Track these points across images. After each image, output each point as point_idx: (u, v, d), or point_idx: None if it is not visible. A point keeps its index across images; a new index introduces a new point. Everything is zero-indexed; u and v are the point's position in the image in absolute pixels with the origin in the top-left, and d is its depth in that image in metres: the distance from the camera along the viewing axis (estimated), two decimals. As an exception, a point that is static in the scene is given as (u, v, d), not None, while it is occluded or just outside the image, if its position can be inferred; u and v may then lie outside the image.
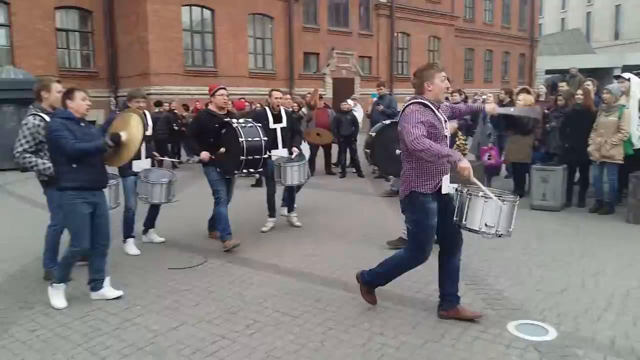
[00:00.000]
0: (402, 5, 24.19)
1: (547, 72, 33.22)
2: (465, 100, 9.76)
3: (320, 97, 10.88)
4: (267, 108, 6.41)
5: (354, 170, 10.65)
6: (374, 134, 5.75)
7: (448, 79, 3.70)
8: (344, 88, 21.98)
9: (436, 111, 3.46)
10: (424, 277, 4.48)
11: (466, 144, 8.16)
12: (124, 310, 3.97)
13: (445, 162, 3.38)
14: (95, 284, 4.18)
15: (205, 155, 5.43)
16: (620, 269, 4.64)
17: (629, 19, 38.51)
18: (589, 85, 7.38)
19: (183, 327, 3.66)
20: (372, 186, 9.50)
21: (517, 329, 3.46)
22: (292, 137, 6.44)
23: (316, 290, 4.27)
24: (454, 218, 3.52)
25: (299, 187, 6.84)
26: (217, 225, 5.55)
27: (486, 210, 3.41)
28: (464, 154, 7.93)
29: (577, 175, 7.44)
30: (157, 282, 4.58)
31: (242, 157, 5.33)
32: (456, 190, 3.55)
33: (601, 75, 28.81)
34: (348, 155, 10.73)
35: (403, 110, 3.51)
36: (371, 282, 3.86)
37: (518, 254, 5.14)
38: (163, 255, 5.43)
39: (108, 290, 4.18)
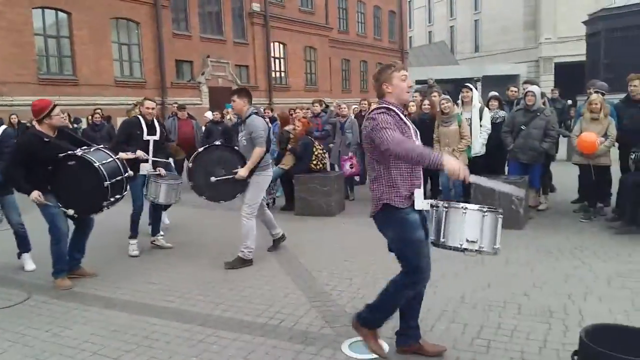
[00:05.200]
0: (276, 14, 24.25)
1: (417, 82, 35.37)
2: (325, 110, 9.81)
3: (183, 107, 10.35)
4: (140, 117, 5.85)
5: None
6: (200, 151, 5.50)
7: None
8: (221, 97, 21.43)
9: (402, 116, 3.07)
10: (264, 301, 4.29)
11: (325, 155, 8.23)
12: None
13: (418, 171, 3.06)
14: None
15: (36, 195, 4.53)
16: (458, 273, 4.81)
17: (486, 32, 42.33)
18: (435, 95, 7.77)
19: (-26, 385, 3.09)
20: (241, 200, 9.18)
21: (350, 348, 3.36)
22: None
23: (147, 324, 3.87)
24: (430, 238, 3.12)
25: (166, 207, 6.53)
26: (55, 261, 4.76)
27: (467, 223, 2.99)
28: (323, 165, 8.00)
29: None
30: (-43, 330, 3.89)
31: (107, 183, 4.59)
32: (432, 206, 3.09)
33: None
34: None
35: (368, 117, 3.09)
36: (371, 322, 3.26)
37: (367, 265, 5.14)
38: (-25, 294, 4.68)
39: None
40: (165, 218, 7.08)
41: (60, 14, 17.09)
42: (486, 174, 6.84)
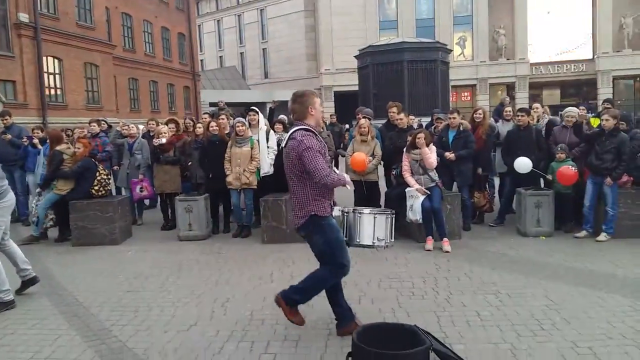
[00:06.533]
0: (49, 27, 21.80)
1: (211, 104, 35.44)
2: (106, 131, 9.16)
3: None
4: None
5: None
6: None
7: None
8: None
9: (318, 136, 3.56)
10: (29, 348, 3.73)
11: (109, 178, 7.62)
12: None
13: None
14: None
15: None
16: (249, 291, 4.85)
17: (273, 60, 44.69)
18: (223, 118, 7.86)
19: None
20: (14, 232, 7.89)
21: (131, 386, 3.11)
22: None
23: None
24: (344, 239, 3.68)
25: None
26: None
27: (377, 225, 3.70)
28: (106, 191, 7.38)
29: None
30: None
31: None
32: (342, 212, 3.70)
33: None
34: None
35: (291, 136, 3.50)
36: (295, 301, 3.67)
37: (155, 293, 4.87)
38: None
39: None
40: None
41: None
42: (274, 193, 7.16)
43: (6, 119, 8.71)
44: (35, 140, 8.28)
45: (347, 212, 3.72)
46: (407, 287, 4.83)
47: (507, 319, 4.00)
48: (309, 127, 3.53)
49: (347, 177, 3.63)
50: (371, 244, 3.75)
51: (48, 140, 7.70)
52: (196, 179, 7.67)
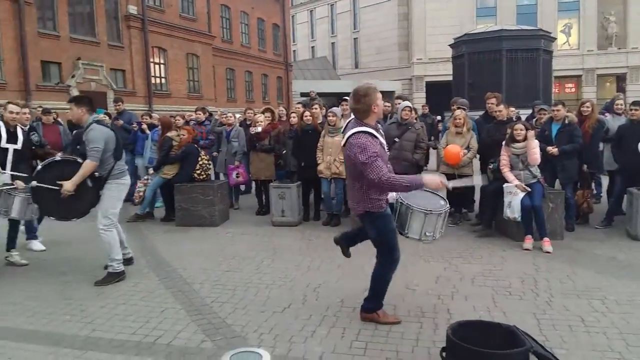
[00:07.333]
0: (155, 19, 23.29)
1: (302, 94, 36.09)
2: (209, 119, 9.63)
3: (49, 111, 9.49)
4: (1, 123, 5.39)
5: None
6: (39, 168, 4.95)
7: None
8: (95, 102, 19.98)
9: (379, 137, 3.55)
10: (139, 318, 4.06)
11: (209, 164, 8.04)
12: None
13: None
14: None
15: None
16: (339, 279, 4.93)
17: (365, 50, 44.53)
18: (316, 108, 7.99)
19: None
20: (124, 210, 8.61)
21: (231, 361, 3.29)
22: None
23: (8, 349, 3.46)
24: (395, 223, 3.81)
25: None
26: None
27: (427, 222, 3.74)
28: (207, 175, 7.81)
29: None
30: None
31: None
32: (397, 200, 3.82)
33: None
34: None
35: (349, 140, 3.49)
36: (374, 307, 3.87)
37: (251, 274, 5.10)
38: None
39: None
40: (37, 244, 6.26)
41: None
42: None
43: (119, 105, 9.46)
44: (144, 126, 8.93)
45: (402, 202, 3.80)
46: (503, 286, 4.66)
47: (614, 326, 3.74)
48: (368, 130, 3.47)
49: (436, 177, 3.53)
50: (418, 238, 3.84)
51: (159, 127, 8.27)
52: (290, 167, 7.88)
